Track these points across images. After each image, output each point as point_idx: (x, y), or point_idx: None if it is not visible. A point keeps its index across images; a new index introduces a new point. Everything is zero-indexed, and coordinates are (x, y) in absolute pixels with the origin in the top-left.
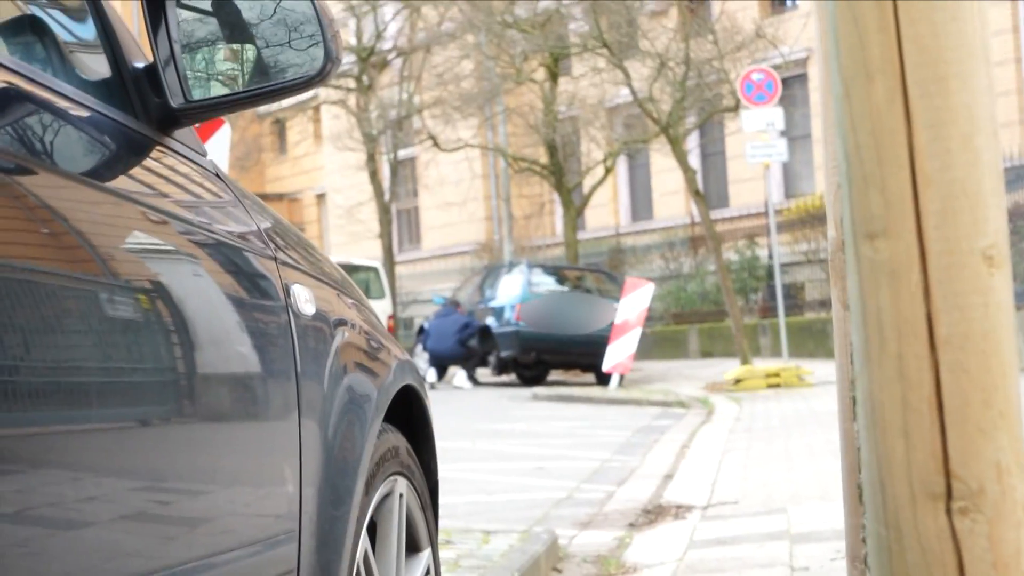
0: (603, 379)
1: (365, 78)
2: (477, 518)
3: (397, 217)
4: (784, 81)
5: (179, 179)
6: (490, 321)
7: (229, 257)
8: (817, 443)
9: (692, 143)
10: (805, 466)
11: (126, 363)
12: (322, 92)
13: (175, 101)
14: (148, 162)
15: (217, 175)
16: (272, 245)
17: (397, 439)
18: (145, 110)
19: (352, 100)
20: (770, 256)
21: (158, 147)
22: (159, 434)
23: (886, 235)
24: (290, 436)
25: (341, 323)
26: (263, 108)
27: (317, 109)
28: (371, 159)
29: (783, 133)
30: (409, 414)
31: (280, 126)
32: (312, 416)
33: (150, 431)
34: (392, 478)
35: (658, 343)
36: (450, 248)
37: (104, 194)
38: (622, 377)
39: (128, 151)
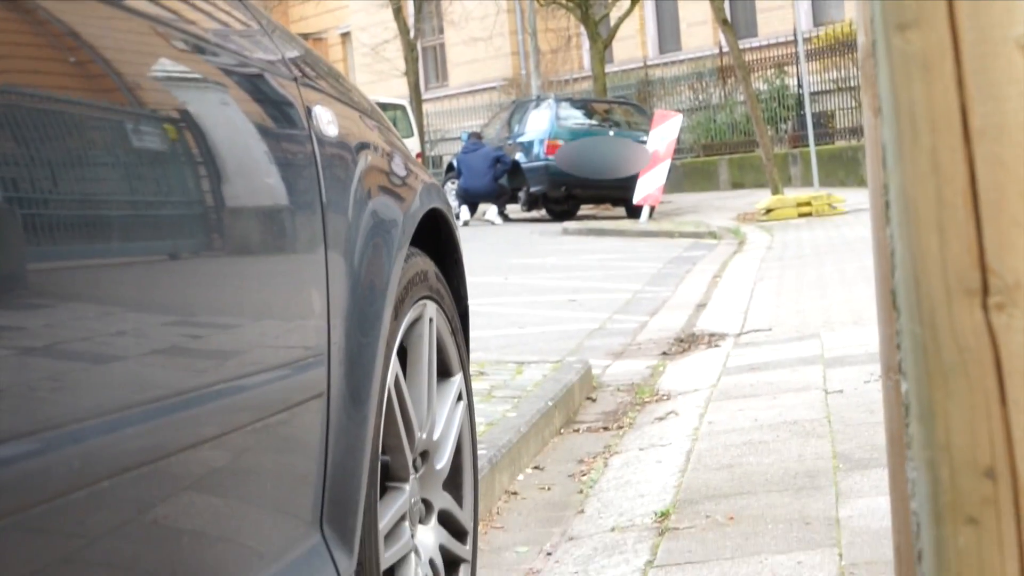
0: (633, 212)
1: None
2: (510, 351)
3: (423, 54)
4: None
5: (202, 3)
6: (519, 156)
7: (251, 81)
8: (850, 270)
9: None
10: (838, 293)
11: (154, 195)
12: None
13: None
14: None
15: (241, 1)
16: (295, 69)
17: (425, 263)
18: None
19: None
20: (799, 85)
21: None
22: (186, 267)
23: (918, 25)
24: (317, 262)
25: (364, 146)
26: None
27: None
28: None
29: None
30: (437, 238)
31: None
32: (338, 240)
33: (178, 264)
34: (421, 302)
35: (688, 175)
36: (477, 84)
37: (128, 16)
38: (652, 209)
39: None
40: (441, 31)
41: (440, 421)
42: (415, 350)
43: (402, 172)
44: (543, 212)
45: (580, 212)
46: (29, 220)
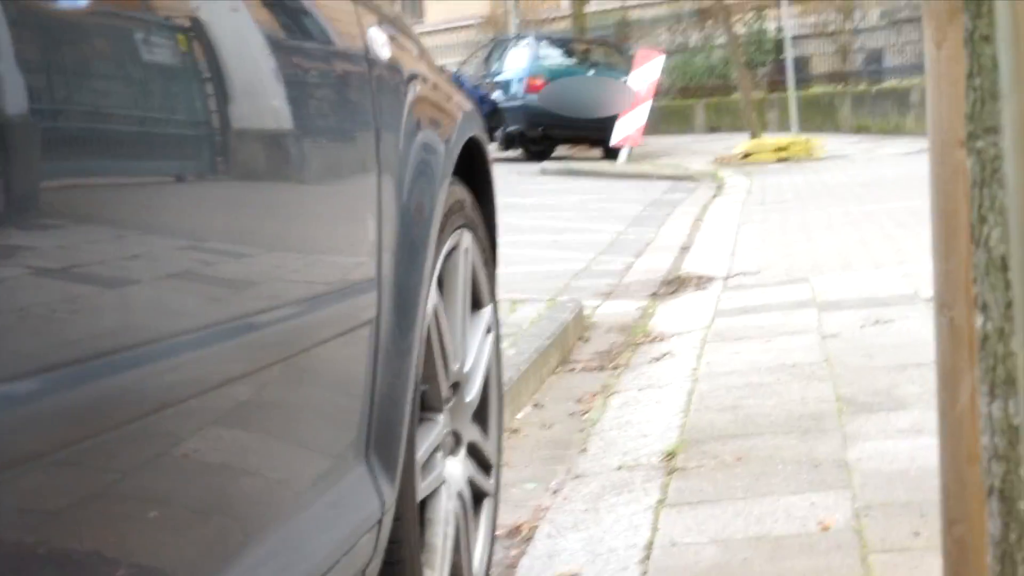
0: (610, 154)
1: None
2: (499, 289)
3: None
4: None
5: None
6: (497, 95)
7: None
8: (834, 215)
9: None
10: (823, 237)
11: (212, 114)
12: None
13: None
14: None
15: None
16: None
17: (462, 192)
18: None
19: None
20: (778, 29)
21: None
22: (246, 188)
23: None
24: (370, 186)
25: (413, 71)
26: None
27: None
28: None
29: None
30: (472, 167)
31: None
32: (390, 165)
33: (238, 184)
34: (458, 231)
35: (664, 117)
36: (454, 21)
37: None
38: (630, 150)
39: None
40: None
41: (471, 352)
42: (450, 279)
43: (446, 98)
44: (519, 152)
45: (556, 152)
46: (67, 137)
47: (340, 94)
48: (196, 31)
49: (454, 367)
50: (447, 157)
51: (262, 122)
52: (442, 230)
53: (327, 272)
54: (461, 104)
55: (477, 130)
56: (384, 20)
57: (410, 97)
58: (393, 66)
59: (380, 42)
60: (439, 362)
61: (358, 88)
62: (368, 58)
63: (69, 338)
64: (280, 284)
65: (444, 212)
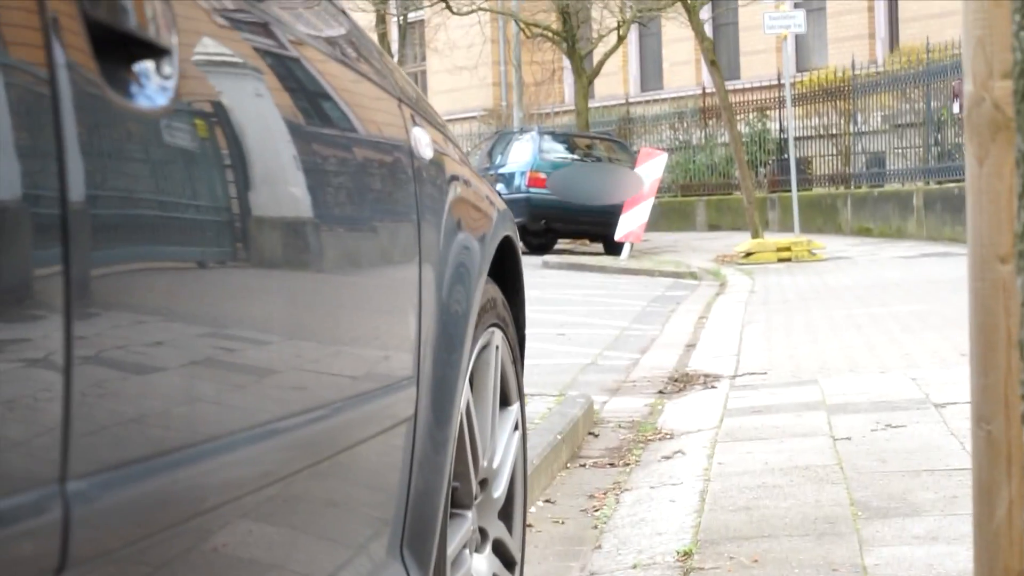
0: (612, 249)
1: None
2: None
3: None
4: None
5: (330, 26)
6: (499, 188)
7: (365, 94)
8: (837, 317)
9: (705, 13)
10: (829, 339)
11: (266, 205)
12: None
13: None
14: None
15: (344, 12)
16: (397, 88)
17: (494, 290)
18: None
19: None
20: (780, 129)
21: None
22: (296, 281)
23: None
24: (412, 283)
25: (453, 170)
26: None
27: None
28: (381, 21)
29: (798, 4)
30: (502, 265)
31: None
32: (430, 263)
33: (291, 277)
34: (490, 329)
35: (665, 214)
36: (457, 113)
37: (258, 17)
38: (632, 247)
39: None
40: (424, 58)
41: (500, 449)
42: (481, 376)
43: (483, 198)
44: (521, 245)
45: (557, 246)
46: (123, 224)
47: (385, 190)
48: (248, 120)
49: (483, 464)
50: (483, 256)
51: (310, 213)
52: (476, 328)
53: (370, 368)
54: (496, 204)
55: (510, 230)
56: (427, 121)
57: (451, 196)
58: (435, 165)
59: (424, 142)
60: (470, 459)
61: (402, 185)
62: (412, 156)
63: (104, 442)
64: (321, 382)
65: (478, 310)
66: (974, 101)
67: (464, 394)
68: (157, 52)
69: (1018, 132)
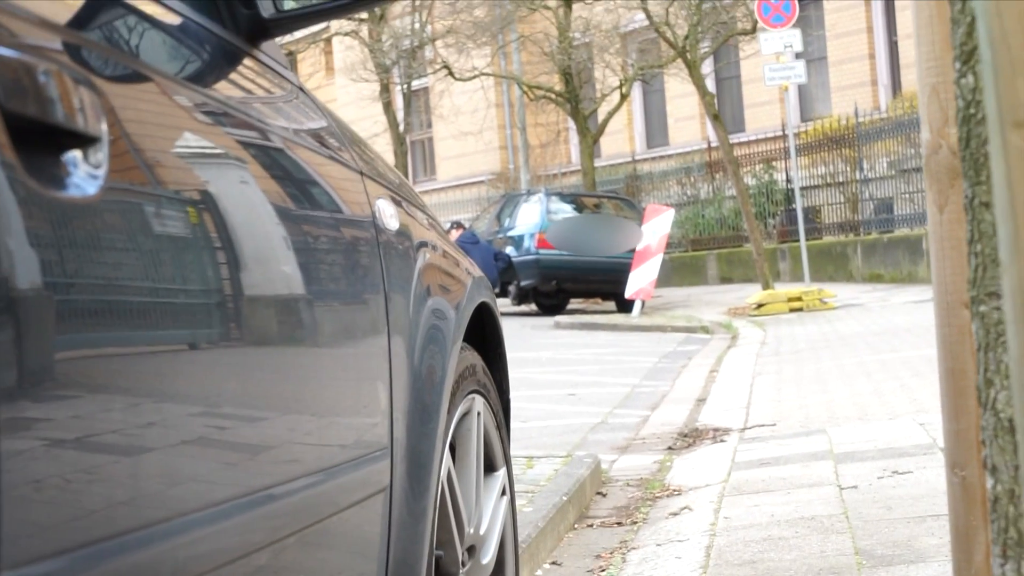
0: (623, 306)
1: (377, 8)
2: (515, 444)
3: (412, 148)
4: (799, 2)
5: (273, 91)
6: (509, 250)
7: (323, 174)
8: (848, 365)
9: (707, 68)
10: (839, 388)
11: (226, 286)
12: (333, 23)
13: (266, 11)
14: (242, 72)
15: (302, 89)
16: (360, 162)
17: (473, 357)
18: (234, 20)
19: (364, 30)
20: (787, 180)
21: (247, 58)
22: (260, 359)
23: None
24: (381, 354)
25: (422, 240)
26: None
27: (329, 41)
28: (385, 90)
29: (798, 55)
30: (482, 331)
31: (291, 59)
32: (400, 333)
33: (253, 355)
34: (470, 396)
35: (676, 269)
36: (465, 178)
37: (199, 101)
38: (643, 303)
39: (221, 60)
40: (430, 125)
41: (486, 515)
42: (463, 444)
43: (455, 265)
44: (532, 306)
45: (569, 306)
46: (76, 308)
47: (349, 262)
48: (202, 204)
49: (469, 531)
50: (458, 323)
51: (273, 290)
52: (454, 395)
53: (341, 440)
54: (471, 271)
55: (487, 296)
56: (393, 192)
57: (419, 264)
58: (401, 235)
59: (388, 212)
60: (454, 526)
61: (366, 256)
62: (376, 227)
63: (86, 516)
64: (293, 454)
65: (456, 377)
66: (932, 149)
67: (444, 462)
68: (85, 141)
69: (965, 178)
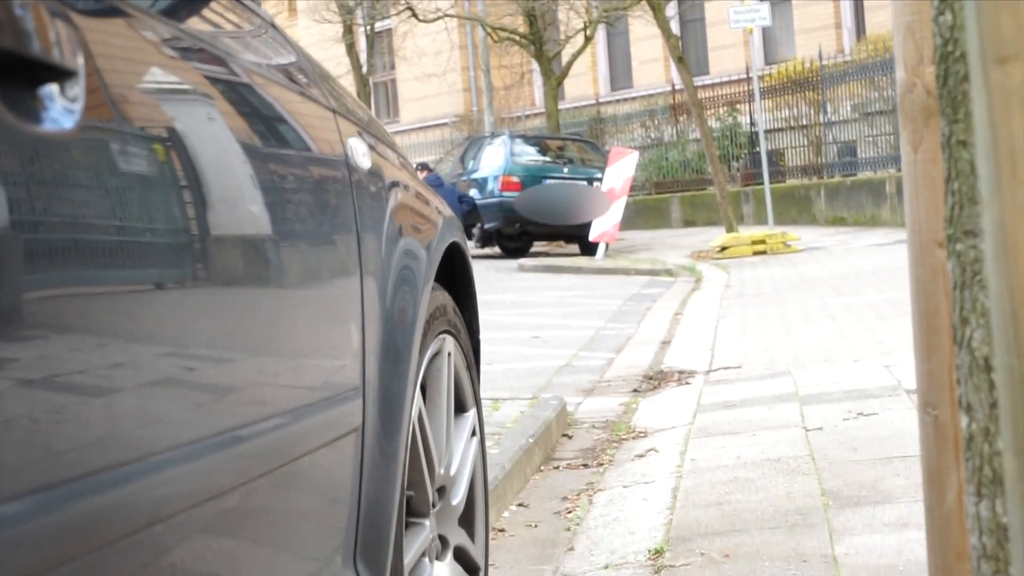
0: (587, 249)
1: None
2: (482, 387)
3: (375, 90)
4: None
5: (244, 26)
6: (473, 193)
7: (295, 110)
8: (813, 307)
9: (671, 10)
10: (803, 331)
11: (192, 221)
12: None
13: None
14: (213, 7)
15: (272, 25)
16: (332, 100)
17: (444, 297)
18: None
19: None
20: (751, 123)
21: None
22: (231, 297)
23: (1018, 59)
24: (353, 294)
25: (393, 179)
26: None
27: None
28: (348, 31)
29: None
30: (452, 271)
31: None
32: (372, 273)
33: (224, 293)
34: (440, 336)
35: (640, 212)
36: (429, 120)
37: (174, 35)
38: (607, 246)
39: None
40: (393, 67)
41: (456, 456)
42: (434, 384)
43: (426, 205)
44: (496, 249)
45: (533, 248)
46: (47, 245)
47: (320, 201)
48: (174, 141)
49: (440, 472)
50: (429, 263)
51: (244, 230)
52: (425, 335)
53: (313, 380)
54: (441, 210)
55: (458, 236)
56: (364, 130)
57: (391, 204)
58: (373, 174)
59: (360, 151)
60: (425, 467)
61: (338, 195)
62: (348, 166)
63: (56, 456)
64: (264, 394)
65: (427, 318)
66: (906, 88)
67: (416, 402)
68: (62, 75)
69: (942, 116)
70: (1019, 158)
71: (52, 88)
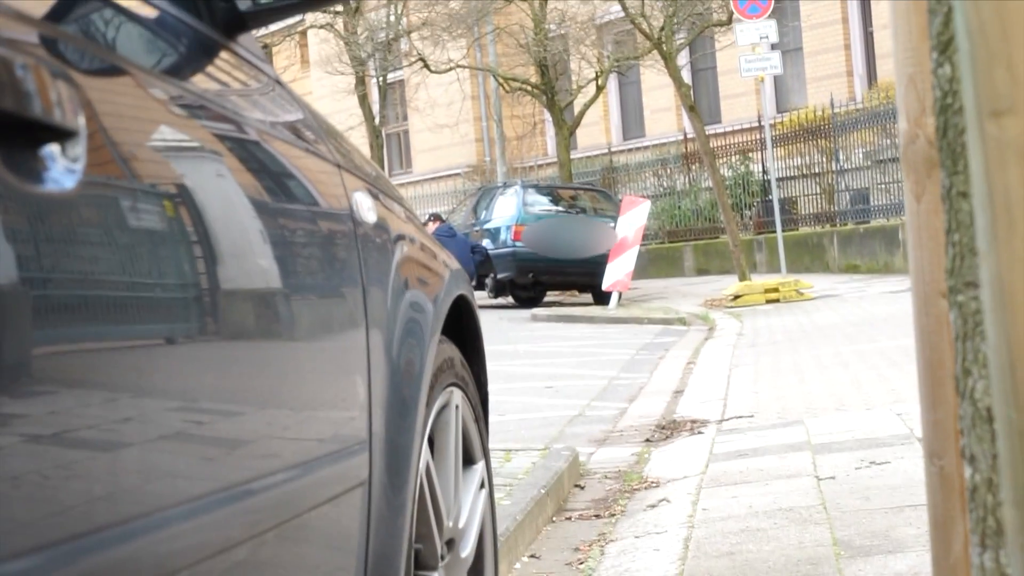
0: (601, 298)
1: (352, 0)
2: (493, 438)
3: (387, 141)
4: None
5: (250, 84)
6: (486, 243)
7: (301, 167)
8: (825, 355)
9: (682, 59)
10: (816, 379)
11: (203, 280)
12: (308, 16)
13: (243, 4)
14: (219, 64)
15: (278, 82)
16: (337, 155)
17: (451, 350)
18: (211, 12)
19: (339, 23)
20: (764, 171)
21: (224, 50)
22: (239, 353)
23: (1013, 112)
24: (359, 348)
25: (399, 232)
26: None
27: (304, 33)
28: (360, 83)
29: (774, 46)
30: (460, 324)
31: (267, 52)
32: (378, 326)
33: (232, 349)
34: (448, 389)
35: (653, 261)
36: (441, 171)
37: (177, 94)
38: (620, 295)
39: (198, 53)
40: (405, 118)
41: (465, 509)
42: (442, 437)
43: (432, 258)
44: (509, 299)
45: (546, 298)
46: (54, 304)
47: (326, 255)
48: (177, 198)
49: (448, 524)
50: (435, 316)
51: (251, 284)
52: (432, 388)
53: (320, 434)
54: (448, 263)
55: (465, 289)
56: (370, 185)
57: (397, 257)
58: (379, 227)
59: (366, 205)
60: (433, 520)
61: (344, 249)
62: (354, 220)
63: (65, 511)
64: (270, 448)
65: (434, 370)
66: (908, 139)
67: (423, 455)
68: (63, 135)
69: (942, 168)
70: (1015, 211)
71: (53, 148)
